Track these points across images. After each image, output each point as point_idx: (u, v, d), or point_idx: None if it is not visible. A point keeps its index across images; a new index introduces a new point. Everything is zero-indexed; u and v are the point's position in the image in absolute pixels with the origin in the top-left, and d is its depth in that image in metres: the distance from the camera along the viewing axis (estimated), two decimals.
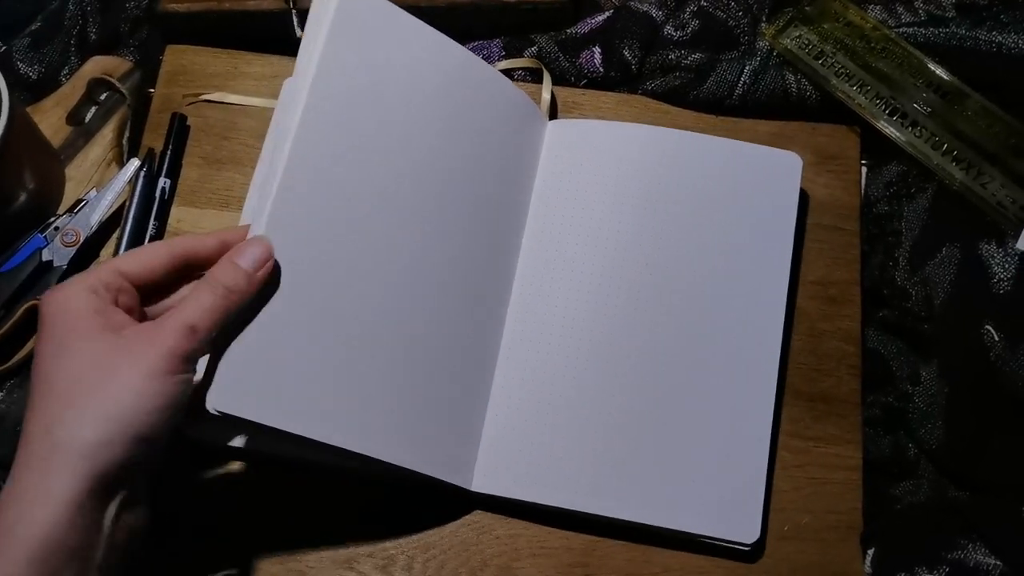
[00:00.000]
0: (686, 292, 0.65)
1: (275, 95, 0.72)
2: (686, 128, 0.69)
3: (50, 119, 0.74)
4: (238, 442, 0.61)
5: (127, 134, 0.75)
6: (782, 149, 0.68)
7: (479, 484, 0.62)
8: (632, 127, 0.68)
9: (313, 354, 0.55)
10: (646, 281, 0.65)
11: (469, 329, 0.63)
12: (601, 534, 0.63)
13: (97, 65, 0.76)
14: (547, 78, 0.73)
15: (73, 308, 0.47)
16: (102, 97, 0.76)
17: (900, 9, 0.75)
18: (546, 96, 0.72)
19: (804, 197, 0.70)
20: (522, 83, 0.75)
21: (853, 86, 0.72)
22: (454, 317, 0.63)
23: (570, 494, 0.61)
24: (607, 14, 0.76)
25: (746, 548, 0.61)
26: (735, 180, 0.67)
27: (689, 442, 0.62)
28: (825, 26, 0.73)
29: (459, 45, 0.65)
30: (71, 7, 0.79)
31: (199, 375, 0.51)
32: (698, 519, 0.61)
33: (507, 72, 0.74)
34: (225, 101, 0.74)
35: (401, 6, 0.73)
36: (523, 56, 0.75)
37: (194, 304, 0.49)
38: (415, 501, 0.64)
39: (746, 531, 0.61)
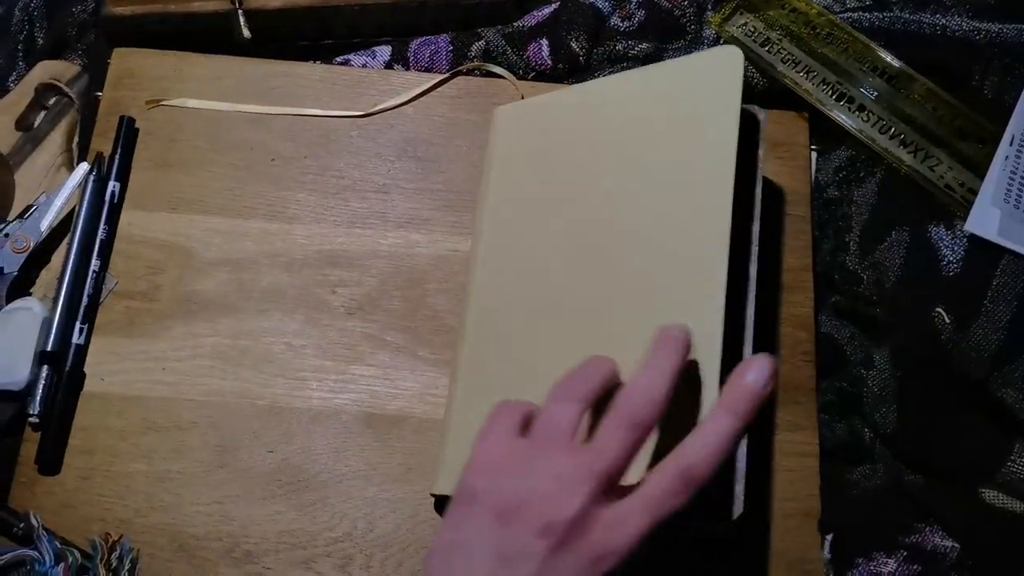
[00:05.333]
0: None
1: (221, 96, 0.70)
2: None
3: None
4: None
5: (76, 138, 0.71)
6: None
7: (442, 487, 0.58)
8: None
9: None
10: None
11: None
12: None
13: (45, 70, 0.72)
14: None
15: None
16: (50, 102, 0.72)
17: None
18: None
19: (770, 187, 0.66)
20: (476, 78, 0.72)
21: (800, 72, 0.68)
22: None
23: None
24: (553, 6, 0.72)
25: (728, 524, 0.53)
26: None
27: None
28: (770, 13, 0.70)
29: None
30: (17, 12, 0.75)
31: None
32: None
33: (469, 72, 0.72)
34: (186, 106, 0.70)
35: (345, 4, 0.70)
36: (471, 50, 0.71)
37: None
38: (374, 500, 0.61)
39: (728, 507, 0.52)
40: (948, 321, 0.59)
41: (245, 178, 0.68)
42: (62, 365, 0.62)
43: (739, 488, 0.53)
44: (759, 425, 0.62)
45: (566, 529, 0.41)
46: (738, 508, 0.52)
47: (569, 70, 0.71)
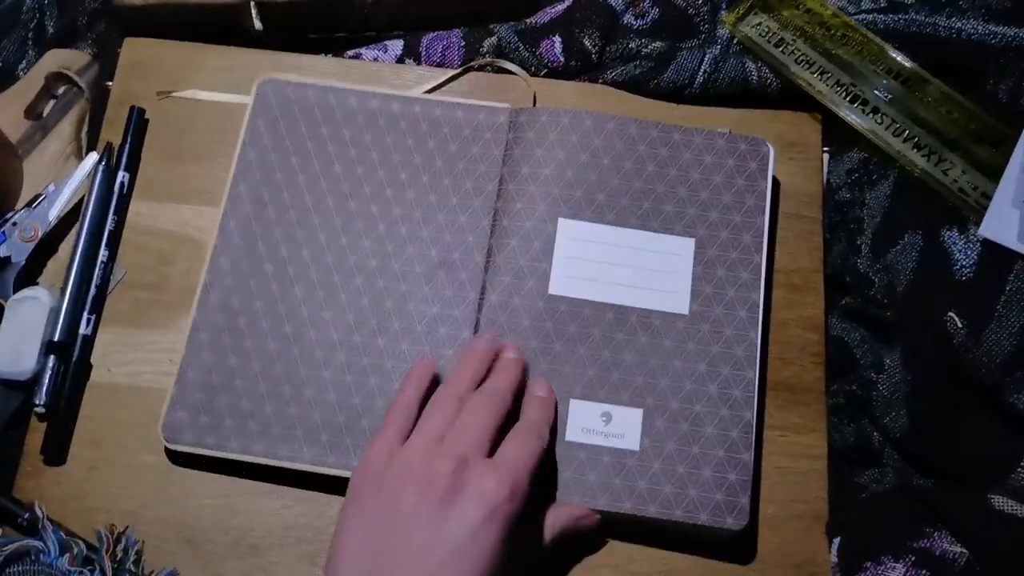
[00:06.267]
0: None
1: (234, 88, 0.69)
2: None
3: (7, 114, 0.70)
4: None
5: (85, 128, 0.71)
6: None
7: None
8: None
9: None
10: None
11: None
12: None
13: (55, 59, 0.72)
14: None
15: None
16: (60, 91, 0.72)
17: None
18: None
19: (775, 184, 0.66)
20: (488, 74, 0.71)
21: (813, 73, 0.68)
22: None
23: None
24: (567, 3, 0.71)
25: (734, 534, 0.56)
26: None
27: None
28: (785, 13, 0.69)
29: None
30: (28, 1, 0.74)
31: None
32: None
33: (480, 68, 0.71)
34: (196, 97, 0.70)
35: None
36: (483, 46, 0.70)
37: None
38: None
39: (736, 517, 0.56)
40: (960, 326, 0.58)
41: None
42: (69, 355, 0.62)
43: (744, 501, 0.55)
44: (764, 427, 0.61)
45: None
46: (742, 520, 0.55)
47: (581, 67, 0.70)
